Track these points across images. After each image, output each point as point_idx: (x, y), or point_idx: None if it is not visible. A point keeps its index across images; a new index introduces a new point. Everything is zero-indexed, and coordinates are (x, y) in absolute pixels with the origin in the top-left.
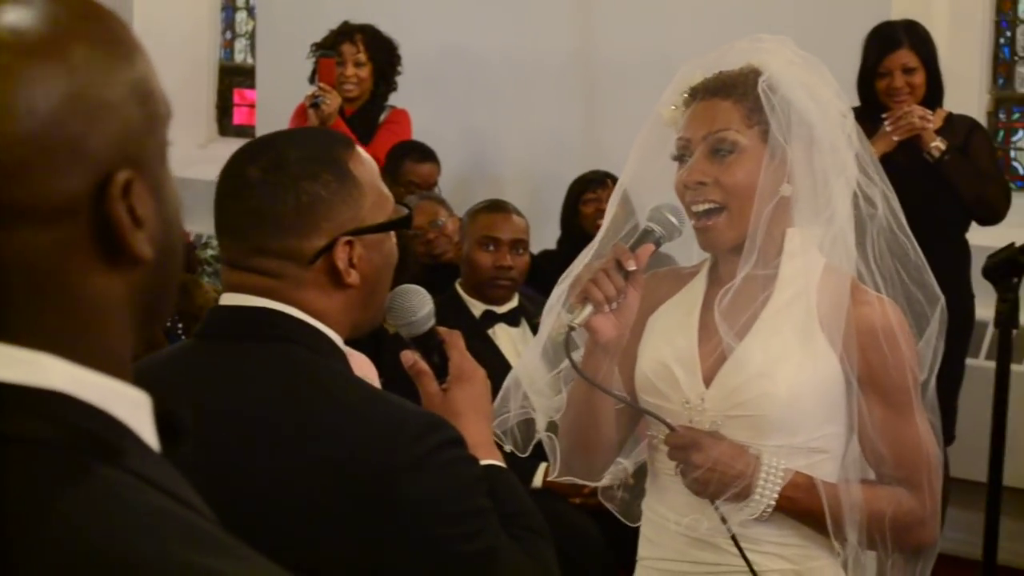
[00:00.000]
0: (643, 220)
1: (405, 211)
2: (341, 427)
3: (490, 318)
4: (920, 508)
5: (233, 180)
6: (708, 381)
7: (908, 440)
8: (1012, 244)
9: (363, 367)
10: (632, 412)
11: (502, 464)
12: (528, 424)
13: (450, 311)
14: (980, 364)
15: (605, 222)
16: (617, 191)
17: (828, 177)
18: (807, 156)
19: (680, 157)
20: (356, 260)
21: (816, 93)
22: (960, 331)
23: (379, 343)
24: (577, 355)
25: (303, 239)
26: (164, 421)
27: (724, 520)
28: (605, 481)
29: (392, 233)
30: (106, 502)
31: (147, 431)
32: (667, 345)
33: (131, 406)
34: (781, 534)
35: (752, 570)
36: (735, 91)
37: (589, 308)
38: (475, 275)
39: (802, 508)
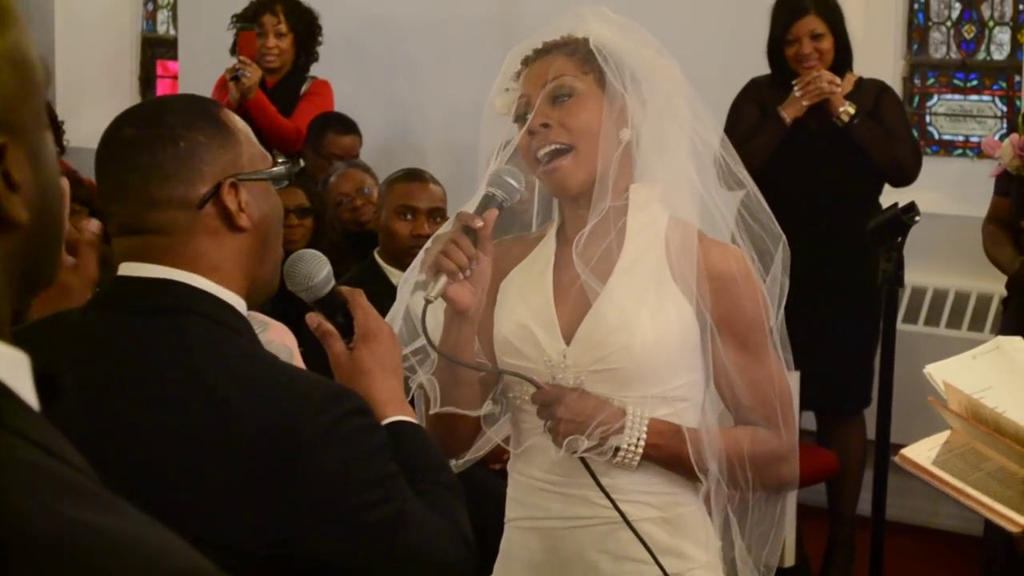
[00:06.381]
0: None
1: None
2: (241, 403)
3: None
4: (779, 445)
5: (110, 145)
6: (568, 338)
7: (763, 380)
8: (895, 204)
9: (283, 335)
10: (494, 375)
11: (413, 419)
12: None
13: (368, 279)
14: (899, 328)
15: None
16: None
17: (663, 123)
18: (642, 104)
19: (523, 116)
20: (244, 205)
21: (639, 51)
22: (875, 294)
23: (299, 312)
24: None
25: (188, 186)
26: (45, 382)
27: (596, 478)
28: (486, 408)
29: (275, 189)
30: None
31: (25, 390)
32: (523, 306)
33: (9, 365)
34: (648, 482)
35: (626, 520)
36: (566, 48)
37: (444, 279)
38: (393, 243)
39: (667, 454)
